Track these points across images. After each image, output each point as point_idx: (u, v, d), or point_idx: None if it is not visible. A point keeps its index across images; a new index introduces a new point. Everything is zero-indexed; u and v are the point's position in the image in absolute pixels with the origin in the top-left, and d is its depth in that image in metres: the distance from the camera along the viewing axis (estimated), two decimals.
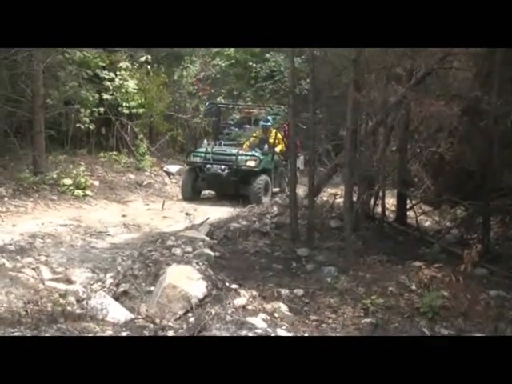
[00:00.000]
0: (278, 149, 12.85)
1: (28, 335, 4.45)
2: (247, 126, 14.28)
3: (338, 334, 5.17)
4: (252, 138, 13.18)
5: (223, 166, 12.14)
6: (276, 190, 12.69)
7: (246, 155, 12.38)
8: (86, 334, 4.56)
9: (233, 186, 12.23)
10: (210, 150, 12.50)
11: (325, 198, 8.81)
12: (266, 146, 12.65)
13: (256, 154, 12.43)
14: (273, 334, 4.86)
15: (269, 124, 12.97)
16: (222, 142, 13.21)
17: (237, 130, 14.11)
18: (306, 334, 5.07)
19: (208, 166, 12.26)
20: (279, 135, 12.88)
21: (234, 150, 12.53)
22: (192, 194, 12.55)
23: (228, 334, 4.78)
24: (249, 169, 12.19)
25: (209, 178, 12.36)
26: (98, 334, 4.61)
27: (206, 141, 13.32)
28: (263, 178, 12.14)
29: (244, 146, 12.92)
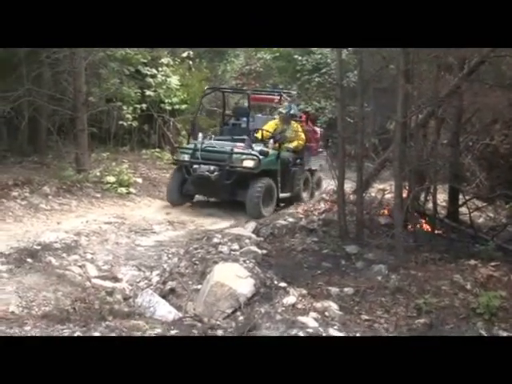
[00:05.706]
0: (292, 145, 10.68)
1: (75, 335, 4.40)
2: (259, 116, 12.22)
3: (390, 335, 5.01)
4: (270, 128, 10.83)
5: (212, 167, 9.67)
6: (285, 195, 10.41)
7: (243, 153, 9.84)
8: (135, 332, 4.50)
9: (225, 192, 9.87)
10: (199, 146, 10.03)
11: (373, 194, 8.57)
12: (271, 141, 10.32)
13: (254, 152, 9.88)
14: (324, 334, 4.73)
15: (291, 113, 10.70)
16: (213, 136, 10.90)
17: (244, 119, 11.37)
18: (358, 334, 4.92)
19: (195, 166, 9.86)
20: (296, 126, 10.78)
21: (227, 147, 10.00)
22: (180, 199, 10.33)
23: (278, 334, 4.69)
24: (245, 170, 9.67)
25: (195, 181, 9.94)
26: (147, 332, 4.55)
27: (201, 134, 10.68)
28: (264, 181, 9.74)
29: (264, 135, 10.67)
